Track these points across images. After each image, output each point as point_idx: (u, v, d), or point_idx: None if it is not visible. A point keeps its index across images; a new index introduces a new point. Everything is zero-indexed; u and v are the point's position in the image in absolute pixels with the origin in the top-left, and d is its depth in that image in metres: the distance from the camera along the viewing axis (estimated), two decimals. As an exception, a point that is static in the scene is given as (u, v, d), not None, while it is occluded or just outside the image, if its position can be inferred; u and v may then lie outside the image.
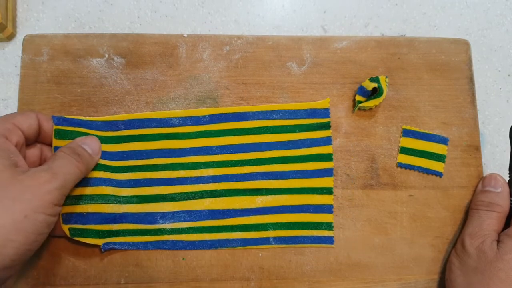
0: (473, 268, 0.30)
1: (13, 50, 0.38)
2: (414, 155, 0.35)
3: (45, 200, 0.25)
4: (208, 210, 0.33)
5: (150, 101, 0.35)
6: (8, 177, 0.25)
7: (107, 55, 0.35)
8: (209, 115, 0.34)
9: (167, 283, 0.32)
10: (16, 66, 0.38)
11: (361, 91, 0.35)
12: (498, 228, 0.31)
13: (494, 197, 0.32)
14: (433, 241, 0.34)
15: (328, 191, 0.34)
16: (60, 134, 0.32)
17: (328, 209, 0.34)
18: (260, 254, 0.33)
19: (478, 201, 0.33)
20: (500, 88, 0.40)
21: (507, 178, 0.33)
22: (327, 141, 0.35)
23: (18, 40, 0.38)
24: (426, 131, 0.35)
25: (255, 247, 0.33)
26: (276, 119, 0.35)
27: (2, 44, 0.38)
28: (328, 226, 0.33)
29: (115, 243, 0.32)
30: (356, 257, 0.33)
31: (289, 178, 0.34)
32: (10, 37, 0.38)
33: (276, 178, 0.34)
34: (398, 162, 0.35)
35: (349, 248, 0.33)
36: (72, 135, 0.32)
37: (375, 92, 0.34)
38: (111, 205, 0.32)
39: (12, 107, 0.37)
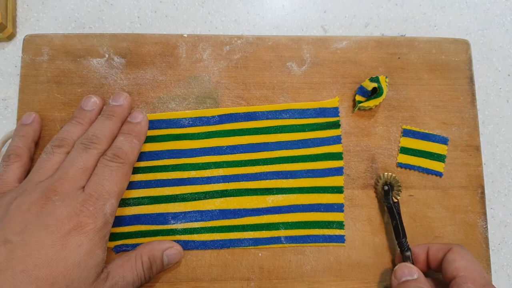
0: None
1: (13, 50, 0.38)
2: (414, 155, 0.35)
3: None
4: (219, 210, 0.33)
5: (150, 101, 0.35)
6: None
7: (107, 55, 0.35)
8: (219, 115, 0.35)
9: (167, 283, 0.32)
10: (16, 66, 0.38)
11: (361, 91, 0.35)
12: None
13: (415, 284, 0.28)
14: (433, 241, 0.34)
15: (338, 190, 0.34)
16: None
17: (338, 208, 0.34)
18: (260, 254, 0.33)
19: None
20: (500, 88, 0.40)
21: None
22: (336, 140, 0.35)
23: (18, 40, 0.38)
24: (426, 131, 0.35)
25: (265, 246, 0.33)
26: (285, 118, 0.35)
27: (2, 44, 0.38)
28: (339, 225, 0.34)
29: (127, 245, 0.32)
30: (356, 257, 0.33)
31: (300, 178, 0.34)
32: (10, 37, 0.38)
33: (286, 178, 0.34)
34: (398, 162, 0.35)
35: (349, 248, 0.33)
36: None
37: (375, 92, 0.34)
38: (123, 208, 0.33)
39: (12, 107, 0.37)
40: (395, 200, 0.32)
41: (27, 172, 0.31)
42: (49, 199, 0.26)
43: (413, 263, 0.31)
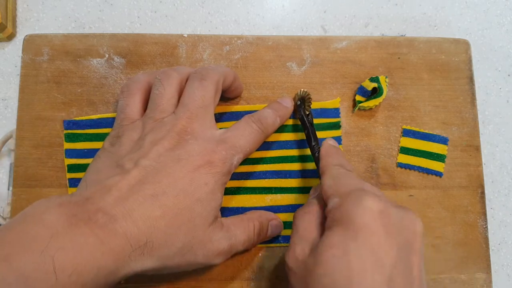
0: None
1: (13, 50, 0.38)
2: (414, 155, 0.35)
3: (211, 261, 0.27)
4: None
5: (150, 101, 0.35)
6: (202, 233, 0.26)
7: (107, 55, 0.35)
8: (219, 113, 0.35)
9: (167, 283, 0.32)
10: (16, 66, 0.38)
11: (361, 91, 0.35)
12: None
13: (311, 200, 0.28)
14: (433, 241, 0.34)
15: None
16: (70, 138, 0.33)
17: None
18: (260, 254, 0.33)
19: None
20: (500, 88, 0.40)
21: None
22: (337, 141, 0.35)
23: (18, 40, 0.38)
24: (426, 131, 0.35)
25: (263, 245, 0.33)
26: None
27: (2, 44, 0.38)
28: None
29: None
30: (356, 257, 0.33)
31: (299, 178, 0.34)
32: (10, 37, 0.38)
33: (285, 177, 0.34)
34: (398, 162, 0.35)
35: (349, 248, 0.33)
36: (81, 138, 0.33)
37: (375, 92, 0.34)
38: None
39: (12, 107, 0.37)
40: (307, 113, 0.33)
41: (146, 103, 0.30)
42: (182, 137, 0.27)
43: None
